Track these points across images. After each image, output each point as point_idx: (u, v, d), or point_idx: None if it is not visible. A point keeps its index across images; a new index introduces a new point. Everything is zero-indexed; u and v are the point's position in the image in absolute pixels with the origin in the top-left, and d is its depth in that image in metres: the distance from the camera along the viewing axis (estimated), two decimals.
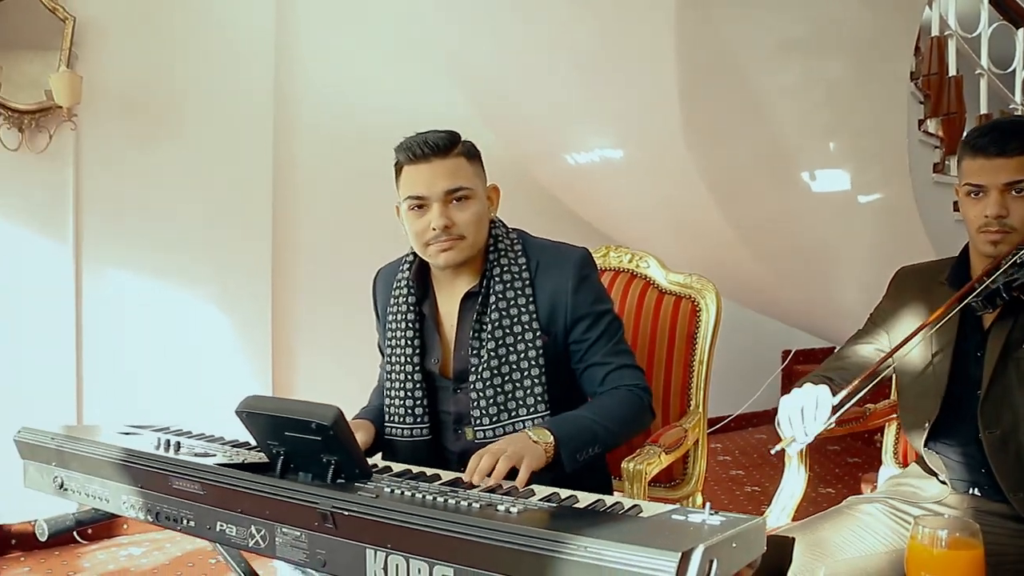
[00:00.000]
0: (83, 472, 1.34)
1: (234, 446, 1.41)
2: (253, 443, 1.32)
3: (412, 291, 1.62)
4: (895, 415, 1.94)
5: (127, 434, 1.46)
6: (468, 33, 3.51)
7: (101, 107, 3.00)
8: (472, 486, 1.22)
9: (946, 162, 3.77)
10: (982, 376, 1.48)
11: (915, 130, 3.54)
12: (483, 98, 3.72)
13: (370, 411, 1.70)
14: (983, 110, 4.34)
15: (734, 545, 0.90)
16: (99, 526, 3.04)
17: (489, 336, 1.53)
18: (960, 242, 1.62)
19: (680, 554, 0.80)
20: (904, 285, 1.68)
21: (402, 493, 1.07)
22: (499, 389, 1.52)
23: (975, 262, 1.56)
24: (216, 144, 3.24)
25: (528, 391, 1.52)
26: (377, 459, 1.58)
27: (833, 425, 1.39)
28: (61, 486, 1.37)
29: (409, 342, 1.60)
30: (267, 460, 1.22)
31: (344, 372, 2.87)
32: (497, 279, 1.56)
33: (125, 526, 3.11)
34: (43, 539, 1.36)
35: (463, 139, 1.56)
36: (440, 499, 1.04)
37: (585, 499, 1.13)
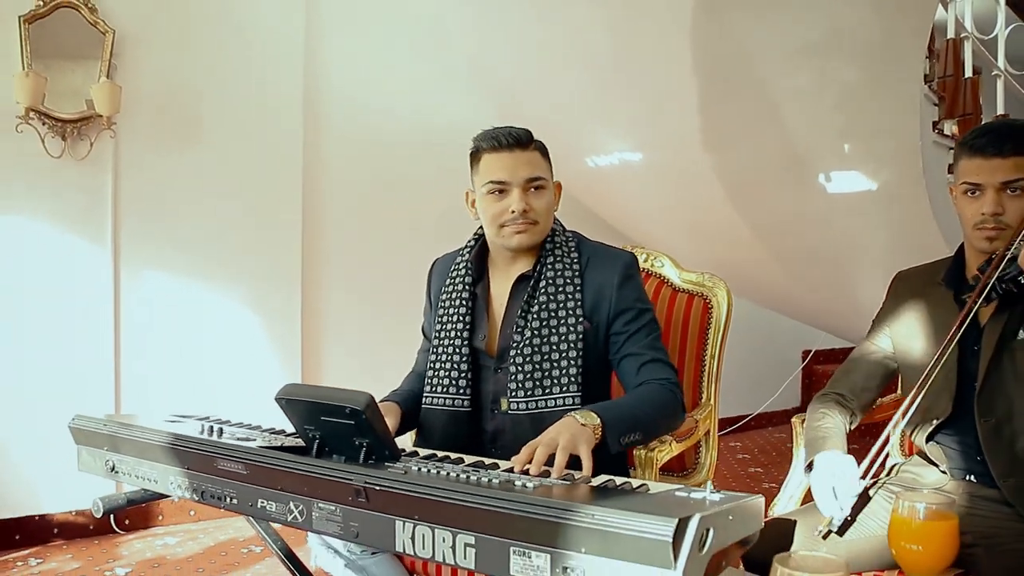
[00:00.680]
0: (133, 456, 1.43)
1: (272, 433, 1.51)
2: (288, 431, 1.42)
3: (470, 271, 1.74)
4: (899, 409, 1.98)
5: (172, 422, 1.57)
6: (488, 38, 3.59)
7: (138, 115, 3.11)
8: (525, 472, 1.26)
9: None
10: (978, 369, 1.53)
11: (929, 132, 3.57)
12: (503, 101, 3.79)
13: (399, 394, 1.80)
14: (1000, 111, 4.36)
15: (730, 518, 0.98)
16: (136, 517, 3.18)
17: (535, 316, 1.63)
18: None
19: (677, 520, 0.88)
20: (903, 288, 1.74)
21: (428, 471, 1.17)
22: (537, 366, 1.61)
23: (970, 260, 1.62)
24: (247, 149, 3.35)
25: (564, 371, 1.61)
26: (407, 444, 1.68)
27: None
28: (112, 469, 1.47)
29: (461, 318, 1.71)
30: (303, 444, 1.32)
31: (368, 367, 2.97)
32: (549, 266, 1.67)
33: (160, 517, 3.24)
34: (98, 515, 1.46)
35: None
36: (463, 475, 1.13)
37: (598, 480, 1.22)
